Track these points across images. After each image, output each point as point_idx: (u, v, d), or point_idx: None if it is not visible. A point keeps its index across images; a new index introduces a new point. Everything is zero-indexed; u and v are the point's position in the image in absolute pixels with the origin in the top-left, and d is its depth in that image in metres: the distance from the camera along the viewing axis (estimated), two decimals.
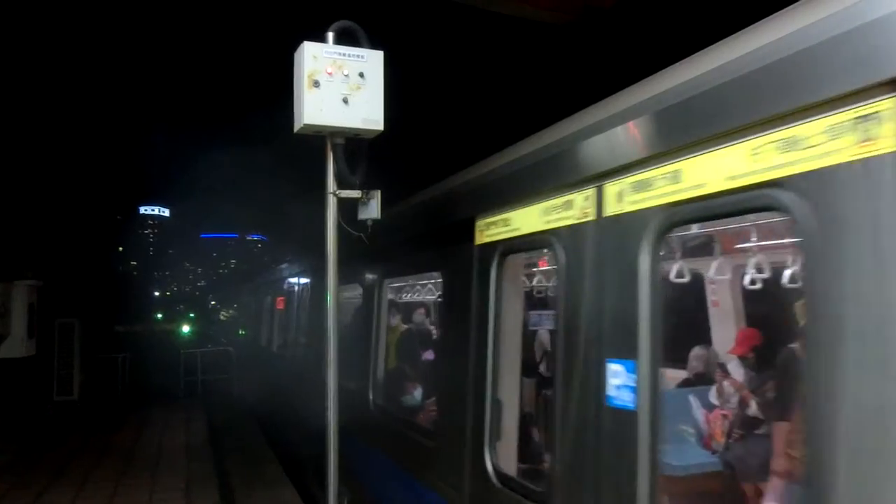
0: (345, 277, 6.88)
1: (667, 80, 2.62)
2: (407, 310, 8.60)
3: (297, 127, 3.57)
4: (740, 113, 2.12)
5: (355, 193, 3.76)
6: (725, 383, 5.25)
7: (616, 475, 2.65)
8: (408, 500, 5.03)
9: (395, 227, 5.24)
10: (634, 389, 2.56)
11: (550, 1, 8.93)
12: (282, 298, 13.09)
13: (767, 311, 5.16)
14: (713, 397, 5.34)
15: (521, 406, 4.64)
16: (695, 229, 4.07)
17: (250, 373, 16.50)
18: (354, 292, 7.45)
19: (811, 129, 1.87)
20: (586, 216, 2.96)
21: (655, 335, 2.53)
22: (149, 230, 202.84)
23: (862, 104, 1.73)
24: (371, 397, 6.10)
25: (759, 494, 4.40)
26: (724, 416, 5.09)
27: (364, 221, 3.85)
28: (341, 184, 3.72)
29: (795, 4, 2.14)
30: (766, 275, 4.04)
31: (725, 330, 6.00)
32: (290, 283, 12.42)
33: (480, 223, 4.02)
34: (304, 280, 11.00)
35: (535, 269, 6.31)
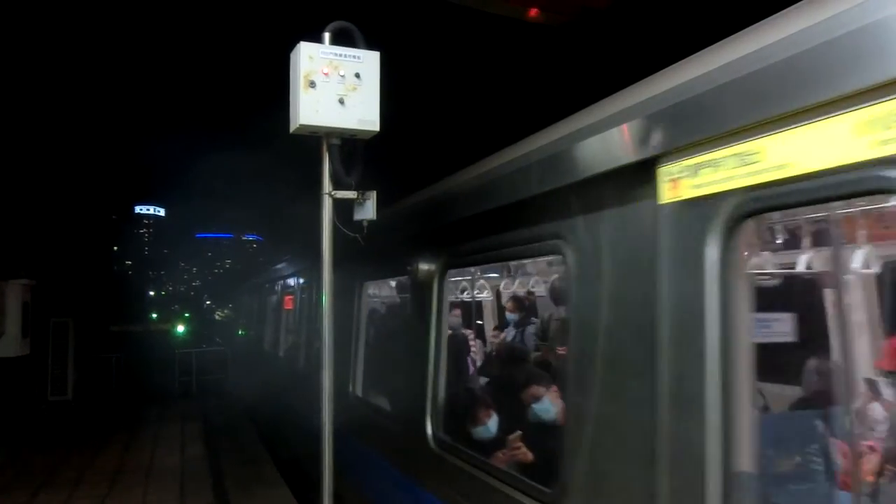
0: (386, 270, 6.23)
1: None
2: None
3: (292, 127, 3.57)
4: None
5: (351, 194, 3.76)
6: (876, 406, 3.98)
7: None
8: None
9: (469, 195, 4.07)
10: None
11: (546, 2, 8.94)
12: (290, 297, 11.72)
13: None
14: (848, 422, 3.81)
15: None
16: None
17: (251, 377, 15.97)
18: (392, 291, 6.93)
19: None
20: None
21: None
22: (144, 229, 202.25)
23: None
24: (431, 430, 4.48)
25: None
26: (871, 447, 3.69)
27: (360, 222, 3.85)
28: (337, 184, 3.72)
29: None
30: None
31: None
32: (303, 281, 10.96)
33: (670, 168, 2.36)
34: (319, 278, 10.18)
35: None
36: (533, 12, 9.21)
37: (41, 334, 16.99)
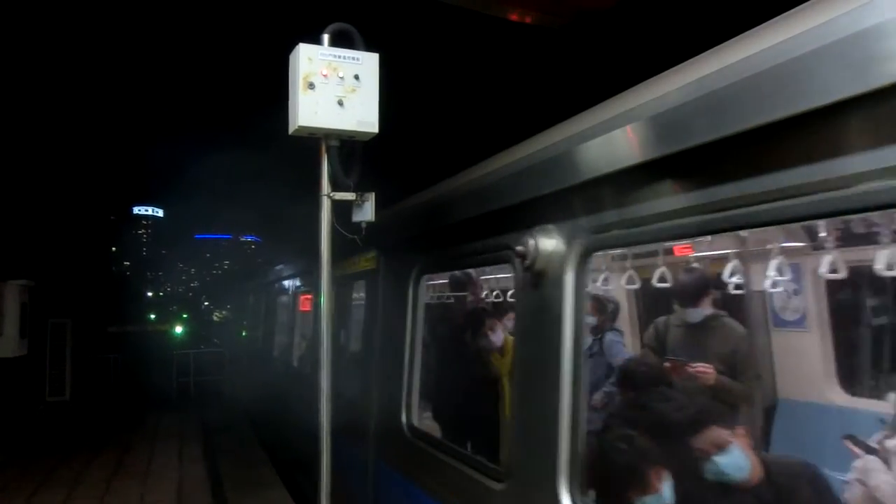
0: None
1: None
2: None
3: (291, 129, 3.58)
4: None
5: (350, 196, 3.76)
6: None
7: None
8: None
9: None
10: None
11: (544, 4, 8.96)
12: (307, 297, 9.98)
13: None
14: None
15: None
16: None
17: (256, 389, 14.13)
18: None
19: None
20: None
21: None
22: (142, 230, 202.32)
23: None
24: None
25: None
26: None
27: (358, 224, 3.85)
28: (336, 186, 3.72)
29: None
30: None
31: None
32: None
33: None
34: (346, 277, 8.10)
35: None
36: (530, 14, 9.23)
37: (39, 335, 16.98)
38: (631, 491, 2.92)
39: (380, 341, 5.16)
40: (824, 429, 4.90)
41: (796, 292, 5.38)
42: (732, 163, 2.01)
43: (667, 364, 4.44)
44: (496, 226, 3.46)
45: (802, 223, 3.94)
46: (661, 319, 5.14)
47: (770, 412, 5.38)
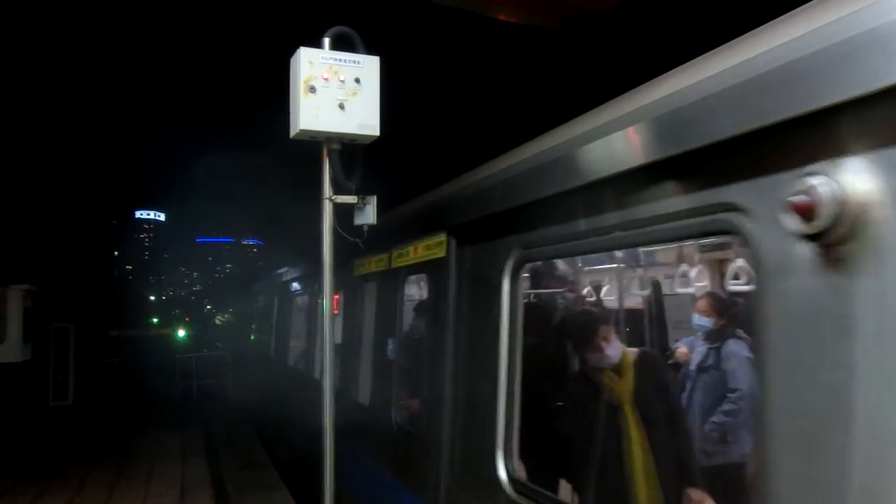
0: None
1: None
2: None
3: (293, 132, 3.59)
4: None
5: (351, 199, 3.77)
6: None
7: None
8: None
9: None
10: None
11: (542, 5, 8.96)
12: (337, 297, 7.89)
13: None
14: None
15: None
16: None
17: (267, 395, 12.83)
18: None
19: None
20: None
21: None
22: (144, 234, 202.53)
23: None
24: None
25: None
26: None
27: (360, 227, 3.86)
28: (337, 189, 3.73)
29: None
30: None
31: None
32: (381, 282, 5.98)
33: None
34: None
35: None
36: (528, 15, 9.23)
37: (42, 340, 17.01)
38: None
39: (453, 357, 3.89)
40: None
41: None
42: None
43: None
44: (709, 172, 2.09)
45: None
46: None
47: None
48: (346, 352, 6.49)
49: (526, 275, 3.46)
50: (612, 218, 2.54)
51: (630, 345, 3.99)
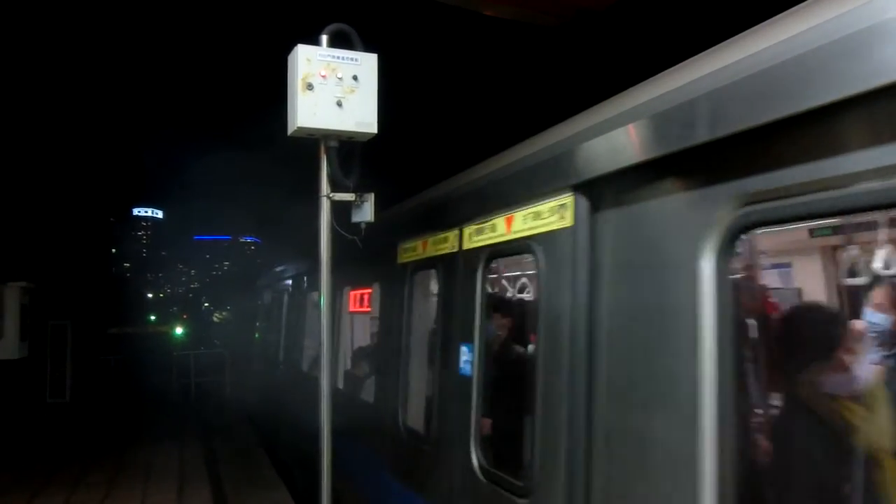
0: None
1: None
2: None
3: (290, 130, 3.58)
4: None
5: (349, 196, 3.76)
6: None
7: None
8: None
9: None
10: None
11: (542, 3, 8.96)
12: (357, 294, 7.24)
13: None
14: None
15: None
16: None
17: (270, 398, 12.00)
18: None
19: None
20: None
21: None
22: (142, 232, 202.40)
23: None
24: None
25: None
26: None
27: (357, 224, 3.85)
28: (335, 187, 3.72)
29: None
30: None
31: None
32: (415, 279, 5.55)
33: None
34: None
35: None
36: (527, 13, 9.23)
37: (39, 337, 16.99)
38: None
39: (585, 385, 2.65)
40: None
41: None
42: None
43: None
44: None
45: None
46: None
47: None
48: (387, 366, 5.16)
49: (739, 251, 2.12)
50: None
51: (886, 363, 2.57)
